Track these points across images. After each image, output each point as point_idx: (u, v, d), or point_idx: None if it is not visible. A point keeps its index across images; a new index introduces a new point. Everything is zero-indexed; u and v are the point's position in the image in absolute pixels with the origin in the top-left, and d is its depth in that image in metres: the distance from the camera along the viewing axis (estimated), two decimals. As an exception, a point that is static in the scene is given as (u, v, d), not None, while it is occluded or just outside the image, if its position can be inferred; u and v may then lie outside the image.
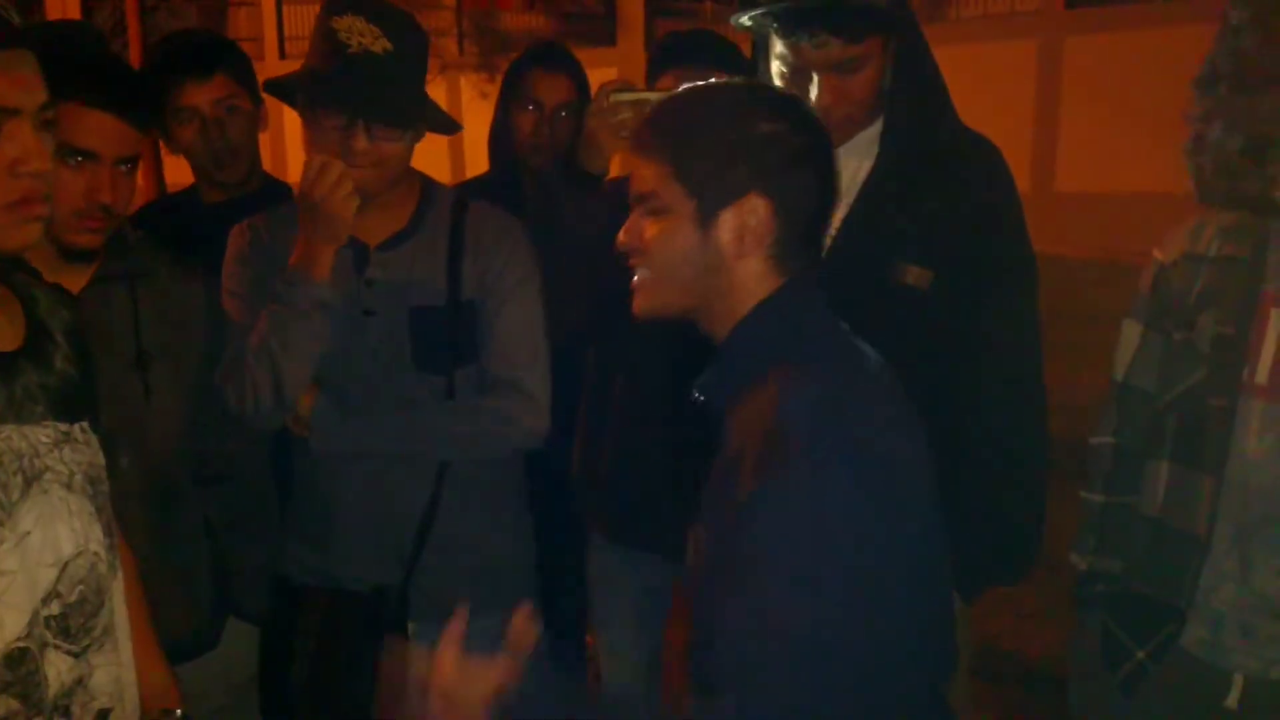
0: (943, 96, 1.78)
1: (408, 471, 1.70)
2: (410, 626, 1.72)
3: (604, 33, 12.91)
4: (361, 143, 1.59)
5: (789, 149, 1.13)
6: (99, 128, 1.53)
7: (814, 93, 1.68)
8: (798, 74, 1.68)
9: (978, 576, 1.82)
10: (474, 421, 1.71)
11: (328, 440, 1.67)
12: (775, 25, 1.69)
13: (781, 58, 1.70)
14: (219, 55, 2.11)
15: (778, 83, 1.74)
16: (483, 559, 1.76)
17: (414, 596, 1.71)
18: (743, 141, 1.12)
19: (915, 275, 1.69)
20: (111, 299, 1.63)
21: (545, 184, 1.92)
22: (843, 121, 1.72)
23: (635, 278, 1.19)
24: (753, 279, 1.15)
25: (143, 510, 1.59)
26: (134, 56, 12.28)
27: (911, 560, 1.08)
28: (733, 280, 1.15)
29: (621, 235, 1.18)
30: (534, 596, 1.87)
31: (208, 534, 1.76)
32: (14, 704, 1.08)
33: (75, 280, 1.58)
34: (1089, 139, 9.16)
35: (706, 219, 1.13)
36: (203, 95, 2.04)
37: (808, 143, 1.15)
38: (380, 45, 1.58)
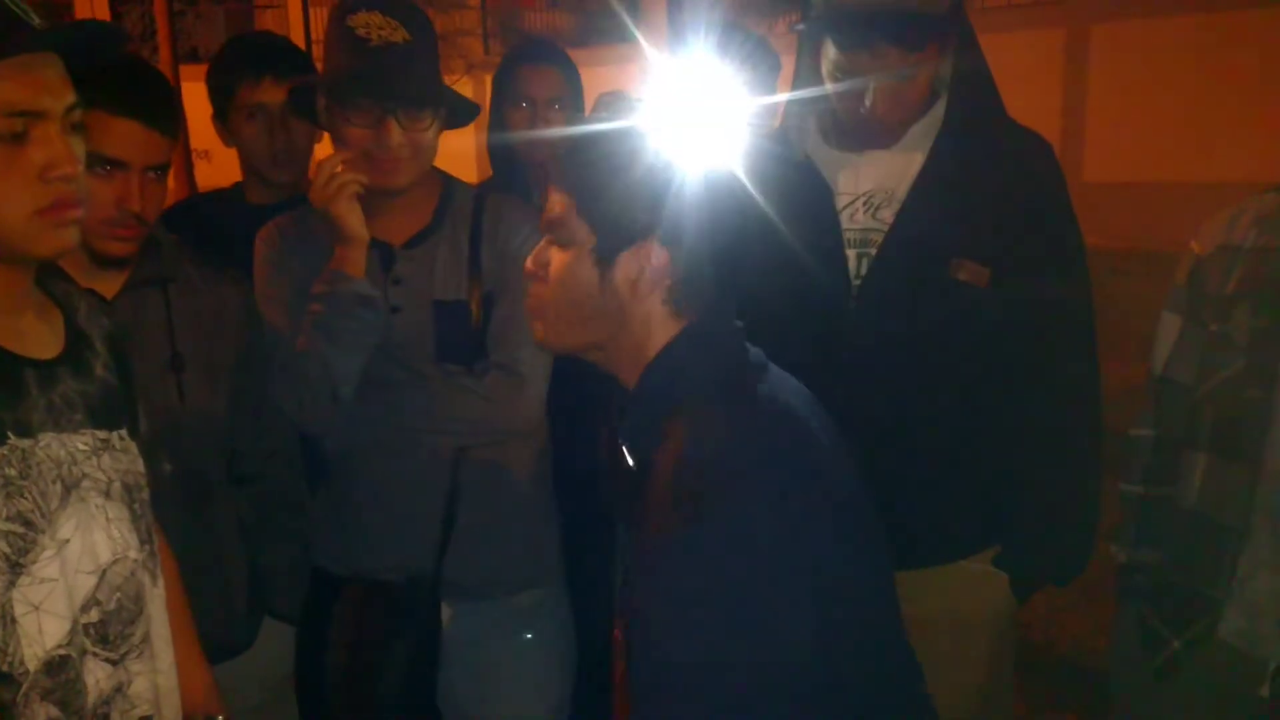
0: (994, 92, 1.77)
1: (424, 462, 1.70)
2: (445, 611, 1.73)
3: (627, 30, 12.89)
4: (396, 135, 1.61)
5: (690, 197, 1.13)
6: (128, 136, 1.53)
7: (869, 99, 1.68)
8: (852, 80, 1.68)
9: (1033, 575, 1.82)
10: (457, 403, 1.69)
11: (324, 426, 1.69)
12: (835, 35, 1.69)
13: (836, 63, 1.70)
14: (297, 58, 2.16)
15: (827, 84, 1.73)
16: (510, 542, 1.77)
17: (446, 582, 1.72)
18: (644, 187, 1.12)
19: (971, 271, 1.68)
20: (145, 304, 1.64)
21: (546, 179, 1.92)
22: (896, 124, 1.72)
23: (530, 301, 1.20)
24: (652, 323, 1.15)
25: (178, 512, 1.61)
26: (164, 60, 12.41)
27: (849, 596, 1.06)
28: (630, 323, 1.15)
29: (528, 263, 1.19)
30: (562, 577, 1.89)
31: (241, 534, 1.78)
32: (54, 711, 1.09)
33: (109, 286, 1.60)
34: (1117, 128, 9.05)
35: (605, 257, 1.13)
36: (276, 94, 2.07)
37: (710, 191, 1.14)
38: (400, 35, 1.60)
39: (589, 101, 2.25)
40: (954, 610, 1.78)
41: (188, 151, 11.22)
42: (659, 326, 1.15)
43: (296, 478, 1.86)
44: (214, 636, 1.54)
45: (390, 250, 1.72)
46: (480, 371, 1.69)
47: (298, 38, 16.00)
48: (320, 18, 15.48)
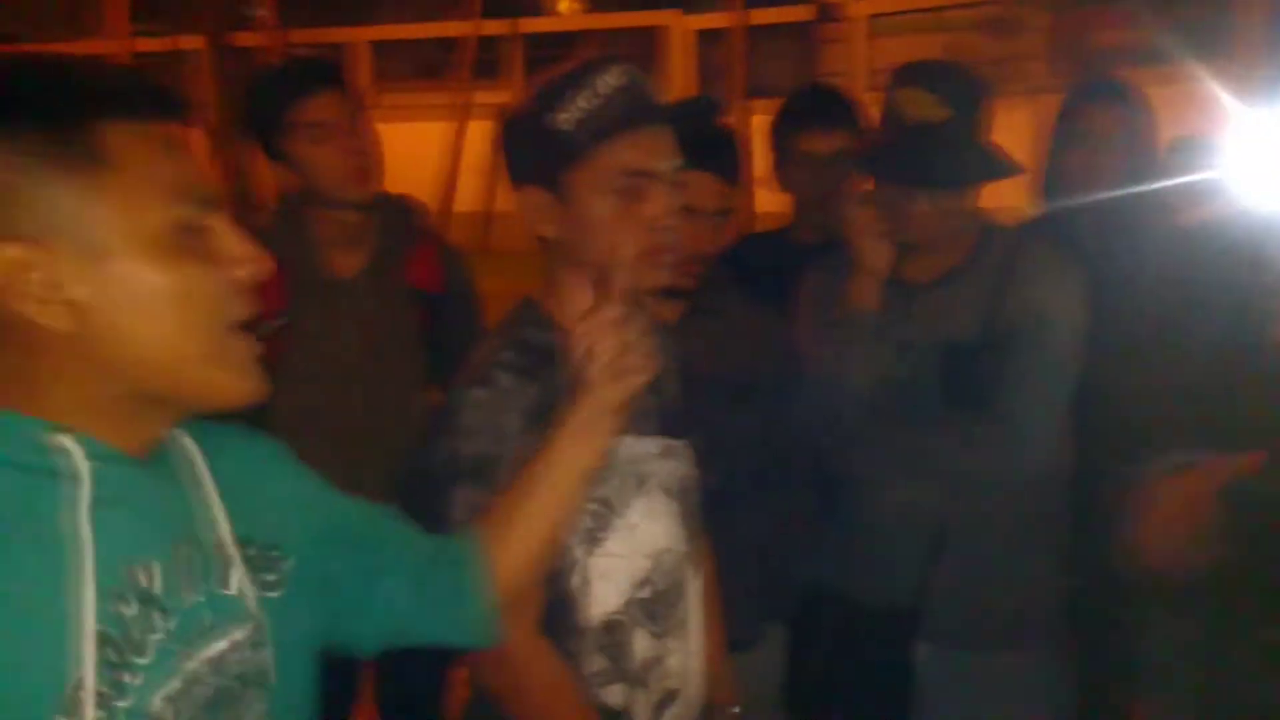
0: None
1: (915, 498, 1.74)
2: (922, 649, 1.75)
3: (1218, 48, 11.55)
4: (922, 207, 1.69)
5: None
6: (700, 186, 1.72)
7: None
8: None
9: None
10: (951, 447, 1.70)
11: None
12: None
13: None
14: (845, 109, 2.31)
15: None
16: (993, 595, 1.74)
17: (923, 622, 1.74)
18: None
19: None
20: (697, 331, 1.84)
21: (1098, 220, 1.85)
22: None
23: None
24: None
25: (705, 515, 1.80)
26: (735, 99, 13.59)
27: None
28: None
29: None
30: (1061, 646, 1.81)
31: (755, 541, 1.91)
32: (604, 664, 1.31)
33: (670, 314, 1.82)
34: None
35: None
36: (823, 143, 2.24)
37: None
38: (940, 113, 1.65)
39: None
40: None
41: (750, 182, 12.15)
42: None
43: (810, 494, 1.98)
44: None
45: (913, 288, 1.77)
46: (982, 419, 1.69)
47: (861, 71, 16.57)
48: (883, 49, 15.87)
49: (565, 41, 17.05)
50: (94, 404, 0.78)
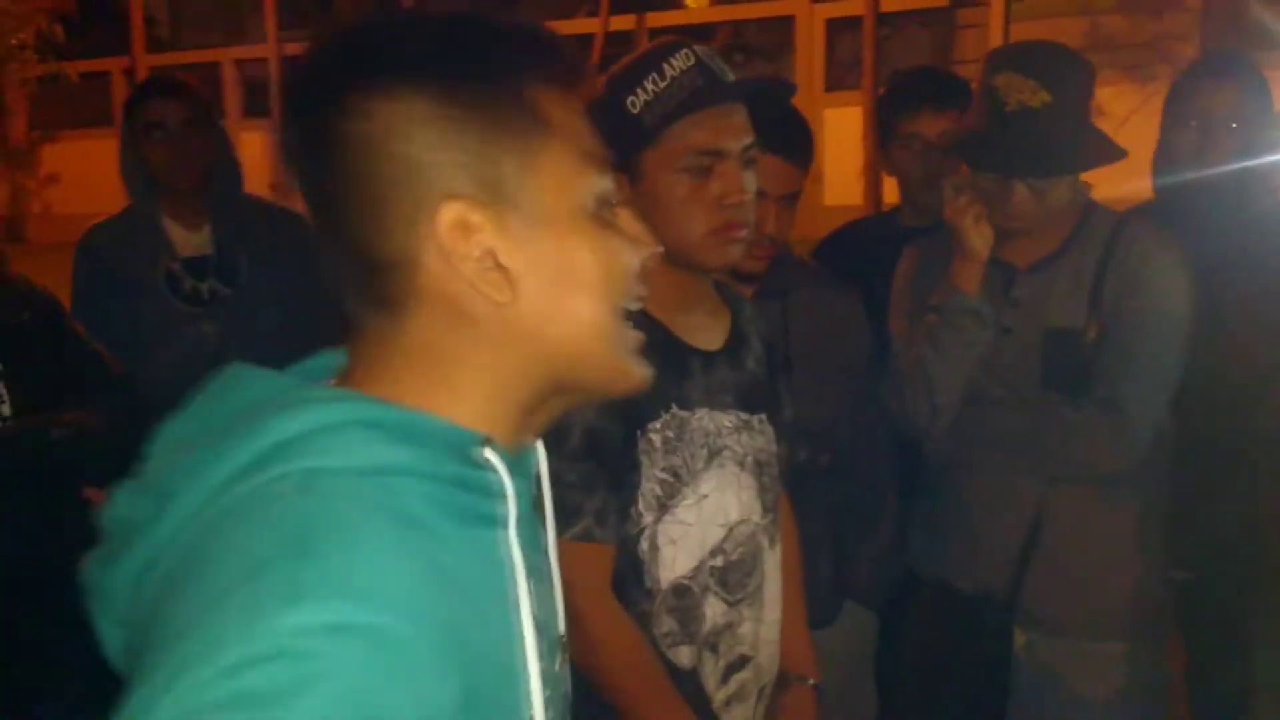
0: None
1: (1012, 484, 1.72)
2: (1020, 637, 1.73)
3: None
4: (1021, 194, 1.66)
5: None
6: (769, 169, 1.70)
7: None
8: None
9: None
10: (1050, 432, 1.67)
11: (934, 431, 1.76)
12: None
13: None
14: (954, 90, 2.30)
15: None
16: (1092, 584, 1.71)
17: (1020, 608, 1.72)
18: None
19: None
20: (766, 311, 1.84)
21: (1211, 201, 1.79)
22: None
23: None
24: None
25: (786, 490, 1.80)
26: (866, 87, 13.32)
27: None
28: None
29: None
30: (1160, 638, 1.77)
31: (830, 520, 1.92)
32: (673, 625, 1.35)
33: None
34: None
35: None
36: (931, 125, 2.23)
37: None
38: (1038, 99, 1.61)
39: None
40: None
41: (876, 170, 11.96)
42: None
43: (887, 477, 1.98)
44: None
45: (1013, 271, 1.75)
46: (1083, 404, 1.66)
47: (995, 56, 16.00)
48: (1020, 32, 15.30)
49: (693, 35, 17.02)
50: (505, 399, 0.72)
